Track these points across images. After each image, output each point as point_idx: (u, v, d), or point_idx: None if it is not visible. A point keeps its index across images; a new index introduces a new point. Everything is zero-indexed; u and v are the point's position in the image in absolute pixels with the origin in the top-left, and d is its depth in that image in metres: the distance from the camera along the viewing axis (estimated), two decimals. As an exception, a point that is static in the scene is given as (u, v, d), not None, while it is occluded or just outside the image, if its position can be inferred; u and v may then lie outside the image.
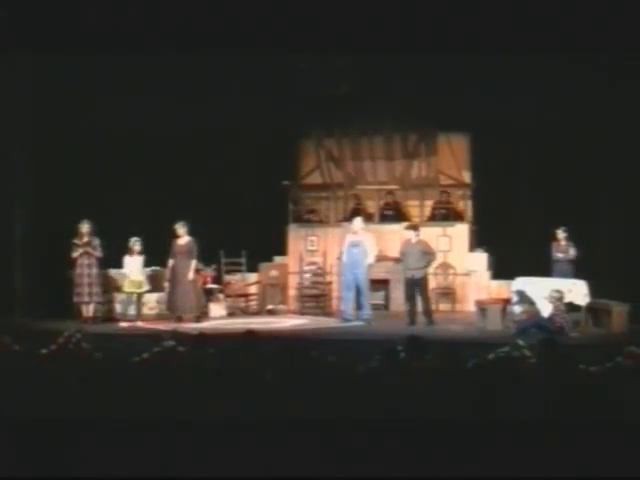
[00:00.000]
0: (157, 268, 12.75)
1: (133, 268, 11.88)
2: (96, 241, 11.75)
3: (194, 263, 12.04)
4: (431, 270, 12.42)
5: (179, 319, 11.84)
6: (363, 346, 9.18)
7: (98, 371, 8.14)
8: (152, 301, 12.58)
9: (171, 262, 12.04)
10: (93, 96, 12.22)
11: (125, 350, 8.69)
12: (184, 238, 12.05)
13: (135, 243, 11.82)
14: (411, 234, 11.94)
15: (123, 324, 11.64)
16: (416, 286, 11.67)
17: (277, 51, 10.97)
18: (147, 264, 12.33)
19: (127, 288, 11.91)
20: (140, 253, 11.89)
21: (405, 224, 13.05)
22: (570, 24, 10.03)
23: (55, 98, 12.03)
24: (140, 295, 11.98)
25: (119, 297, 12.45)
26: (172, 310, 12.04)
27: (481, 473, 6.42)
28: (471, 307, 12.62)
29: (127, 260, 11.88)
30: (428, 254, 11.86)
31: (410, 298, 11.72)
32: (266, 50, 10.87)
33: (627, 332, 10.48)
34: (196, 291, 12.17)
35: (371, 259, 12.04)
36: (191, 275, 11.97)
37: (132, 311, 11.94)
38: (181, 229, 12.03)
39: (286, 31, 10.44)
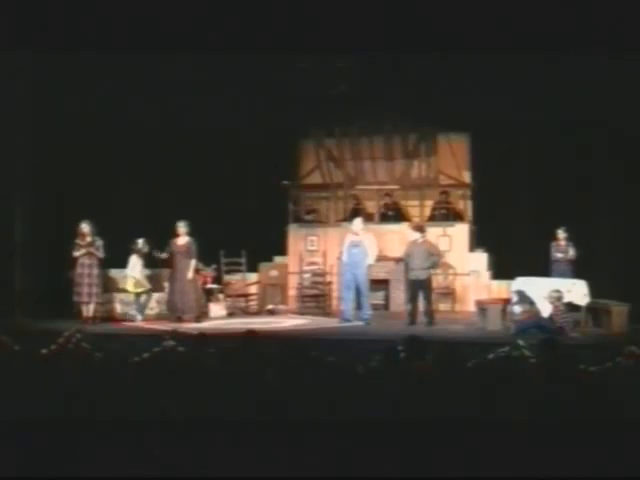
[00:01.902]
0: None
1: (138, 269, 11.99)
2: (99, 242, 11.73)
3: (194, 263, 12.04)
4: (438, 270, 12.49)
5: (179, 319, 11.84)
6: (363, 346, 9.19)
7: (98, 371, 8.13)
8: (152, 301, 12.57)
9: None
10: (93, 96, 12.22)
11: (125, 350, 8.69)
12: (183, 238, 12.05)
13: (144, 245, 11.95)
14: (417, 235, 11.93)
15: (133, 323, 11.72)
16: (420, 287, 11.67)
17: (277, 51, 10.96)
18: (147, 264, 12.35)
19: (134, 288, 12.03)
20: (142, 255, 12.02)
21: (412, 224, 13.01)
22: (570, 24, 10.03)
23: (55, 98, 12.03)
24: (142, 294, 12.14)
25: (119, 297, 12.46)
26: (172, 310, 12.05)
27: (481, 473, 6.42)
28: (471, 307, 12.63)
29: (134, 260, 11.96)
30: (433, 255, 11.86)
31: (412, 299, 11.72)
32: (266, 50, 10.86)
33: (627, 332, 10.49)
34: (196, 291, 12.17)
35: (371, 259, 12.04)
36: (190, 275, 11.97)
37: (140, 310, 12.03)
38: (182, 228, 12.02)
39: (286, 31, 10.44)
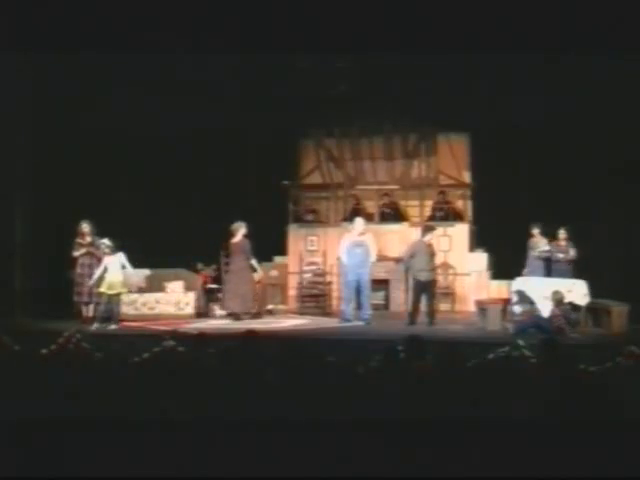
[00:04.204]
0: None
1: (109, 269, 11.36)
2: (98, 241, 11.69)
3: (253, 261, 12.25)
4: (438, 270, 12.62)
5: (237, 317, 11.97)
6: (363, 346, 9.18)
7: (98, 371, 8.13)
8: (152, 301, 12.54)
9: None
10: (93, 96, 12.21)
11: (125, 350, 8.69)
12: (237, 237, 12.20)
13: (102, 244, 11.39)
14: (428, 235, 11.93)
15: (102, 326, 11.19)
16: (426, 288, 11.69)
17: (277, 51, 10.96)
18: (149, 265, 12.31)
19: (100, 289, 11.38)
20: (113, 254, 11.28)
21: (424, 225, 12.94)
22: (571, 24, 10.03)
23: (55, 98, 12.03)
24: (116, 296, 11.44)
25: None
26: (230, 307, 12.18)
27: (481, 473, 6.42)
28: (471, 307, 12.63)
29: (105, 261, 11.40)
30: (434, 255, 11.93)
31: (418, 299, 11.72)
32: (266, 50, 10.86)
33: (627, 332, 10.49)
34: (254, 289, 12.37)
35: (373, 258, 12.05)
36: (257, 273, 12.32)
37: (124, 311, 11.79)
38: (235, 229, 12.19)
39: (286, 31, 10.44)
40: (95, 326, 11.16)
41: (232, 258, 12.36)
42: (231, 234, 12.26)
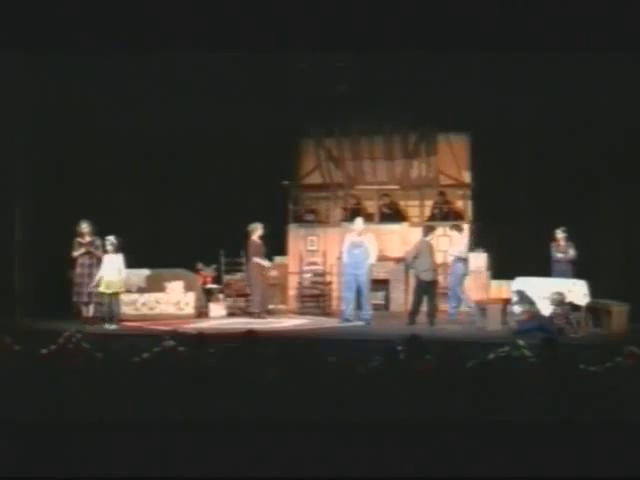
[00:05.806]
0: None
1: (109, 268, 11.36)
2: (98, 241, 11.67)
3: (254, 261, 12.50)
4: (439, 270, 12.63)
5: (257, 315, 12.32)
6: (363, 346, 9.19)
7: (98, 371, 8.13)
8: (152, 301, 12.53)
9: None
10: (93, 96, 12.21)
11: (125, 350, 8.69)
12: (252, 238, 12.53)
13: (106, 242, 11.38)
14: (430, 235, 11.99)
15: (109, 326, 11.21)
16: (430, 287, 11.73)
17: (277, 51, 10.96)
18: (149, 265, 12.30)
19: (100, 288, 11.36)
20: (115, 253, 11.34)
21: (427, 224, 12.93)
22: (570, 24, 10.03)
23: (55, 98, 12.02)
24: (115, 295, 11.43)
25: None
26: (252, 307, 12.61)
27: (481, 473, 6.42)
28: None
29: (105, 260, 11.40)
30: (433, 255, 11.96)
31: (420, 299, 11.73)
32: (266, 50, 10.86)
33: (627, 332, 10.49)
34: (260, 289, 12.62)
35: (373, 259, 12.06)
36: (253, 273, 12.57)
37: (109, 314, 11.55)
38: (251, 230, 12.53)
39: (286, 31, 10.44)
40: (105, 326, 11.19)
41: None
42: (247, 235, 12.54)
